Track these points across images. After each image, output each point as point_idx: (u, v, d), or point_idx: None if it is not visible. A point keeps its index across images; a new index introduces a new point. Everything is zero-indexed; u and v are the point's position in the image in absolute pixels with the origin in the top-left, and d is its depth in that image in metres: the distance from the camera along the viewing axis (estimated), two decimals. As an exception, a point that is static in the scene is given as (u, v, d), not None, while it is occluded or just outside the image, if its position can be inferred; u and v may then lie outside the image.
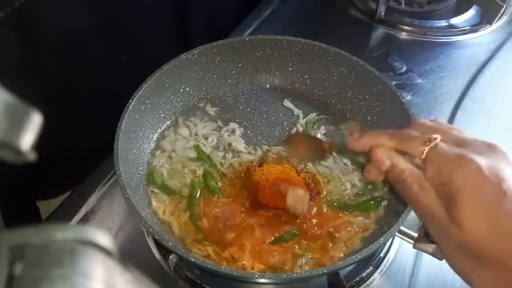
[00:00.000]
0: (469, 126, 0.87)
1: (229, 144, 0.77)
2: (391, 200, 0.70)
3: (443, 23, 1.12)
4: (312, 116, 0.82)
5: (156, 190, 0.71)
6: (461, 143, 0.46)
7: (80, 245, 0.22)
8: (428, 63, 1.03)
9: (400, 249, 0.73)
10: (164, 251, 0.69)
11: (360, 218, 0.69)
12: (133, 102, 0.70)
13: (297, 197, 0.66)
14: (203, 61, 0.80)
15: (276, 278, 0.64)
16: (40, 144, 0.25)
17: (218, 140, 0.78)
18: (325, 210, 0.69)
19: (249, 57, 0.83)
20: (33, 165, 0.27)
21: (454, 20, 1.13)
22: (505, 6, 1.10)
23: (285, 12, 1.14)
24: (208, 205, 0.69)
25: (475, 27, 1.11)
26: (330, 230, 0.67)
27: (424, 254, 0.60)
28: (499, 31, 1.11)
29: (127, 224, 0.75)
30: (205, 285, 0.68)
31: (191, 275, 0.69)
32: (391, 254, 0.73)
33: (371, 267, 0.71)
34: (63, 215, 0.76)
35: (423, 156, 0.46)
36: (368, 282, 0.70)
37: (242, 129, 0.80)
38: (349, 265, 0.64)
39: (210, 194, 0.71)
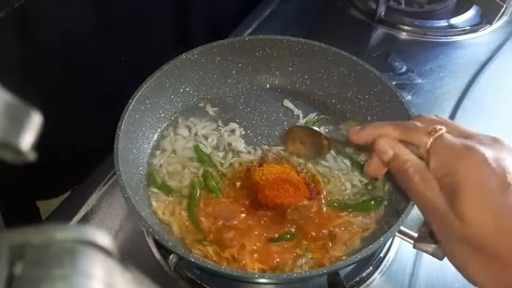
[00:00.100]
0: (468, 126, 0.87)
1: (229, 144, 0.77)
2: (391, 200, 0.70)
3: (443, 23, 1.12)
4: (312, 116, 0.82)
5: (156, 190, 0.71)
6: (465, 135, 0.45)
7: (80, 245, 0.22)
8: (428, 63, 1.03)
9: (400, 249, 0.73)
10: (164, 251, 0.69)
11: (360, 218, 0.69)
12: (133, 102, 0.70)
13: (297, 215, 0.67)
14: (203, 61, 0.80)
15: (276, 278, 0.64)
16: (40, 144, 0.25)
17: (218, 140, 0.78)
18: (325, 210, 0.69)
19: (249, 57, 0.83)
20: (33, 165, 0.27)
21: (454, 20, 1.13)
22: (505, 6, 1.10)
23: (285, 12, 1.14)
24: (208, 205, 0.69)
25: (475, 27, 1.11)
26: (330, 230, 0.67)
27: (424, 254, 0.60)
28: (499, 31, 1.11)
29: (127, 224, 0.75)
30: (205, 285, 0.68)
31: (191, 275, 0.69)
32: (391, 254, 0.73)
33: (371, 267, 0.71)
34: (63, 215, 0.76)
35: (427, 146, 0.45)
36: (368, 282, 0.70)
37: (242, 129, 0.80)
38: (349, 265, 0.64)
39: (210, 194, 0.71)
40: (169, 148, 0.76)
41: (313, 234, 0.67)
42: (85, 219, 0.75)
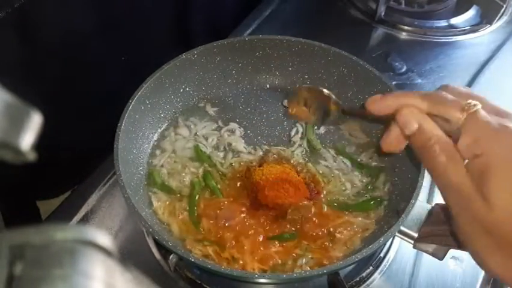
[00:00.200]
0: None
1: (229, 144, 0.77)
2: (391, 200, 0.70)
3: (443, 23, 1.12)
4: (312, 116, 0.82)
5: (156, 190, 0.71)
6: (501, 113, 0.41)
7: (80, 245, 0.22)
8: (428, 63, 1.03)
9: (400, 249, 0.73)
10: (164, 251, 0.69)
11: (360, 218, 0.69)
12: (133, 102, 0.70)
13: (297, 215, 0.67)
14: (203, 61, 0.80)
15: (276, 278, 0.64)
16: (40, 144, 0.25)
17: (218, 140, 0.78)
18: (325, 210, 0.69)
19: (249, 57, 0.83)
20: (33, 165, 0.27)
21: (454, 20, 1.13)
22: (505, 6, 1.10)
23: (285, 12, 1.14)
24: (208, 205, 0.69)
25: (475, 27, 1.11)
26: (330, 230, 0.67)
27: (424, 254, 0.60)
28: (499, 31, 1.11)
29: (127, 224, 0.75)
30: (205, 285, 0.68)
31: (191, 275, 0.69)
32: (391, 254, 0.73)
33: (371, 267, 0.71)
34: (63, 215, 0.76)
35: (460, 122, 0.41)
36: (368, 282, 0.70)
37: (242, 129, 0.80)
38: (349, 265, 0.64)
39: (210, 194, 0.71)
40: (169, 148, 0.76)
41: (313, 234, 0.67)
42: (85, 219, 0.75)
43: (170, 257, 0.66)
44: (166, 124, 0.79)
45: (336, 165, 0.75)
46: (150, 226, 0.59)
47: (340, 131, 0.81)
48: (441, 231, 0.58)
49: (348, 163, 0.75)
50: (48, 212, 0.80)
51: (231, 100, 0.84)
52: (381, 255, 0.72)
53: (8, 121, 0.23)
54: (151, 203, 0.70)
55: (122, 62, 0.89)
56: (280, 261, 0.65)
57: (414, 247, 0.61)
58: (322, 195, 0.71)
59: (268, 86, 0.86)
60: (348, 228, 0.68)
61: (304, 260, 0.64)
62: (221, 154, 0.76)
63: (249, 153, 0.77)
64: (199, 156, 0.75)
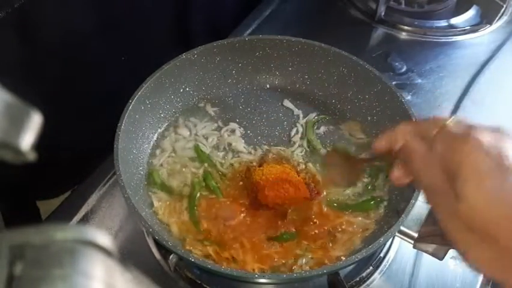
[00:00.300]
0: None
1: (229, 144, 0.77)
2: (391, 200, 0.70)
3: (443, 23, 1.12)
4: (312, 116, 0.82)
5: (156, 190, 0.71)
6: (467, 126, 0.48)
7: (80, 245, 0.22)
8: (428, 63, 1.03)
9: (400, 249, 0.73)
10: (164, 251, 0.69)
11: (360, 218, 0.69)
12: (133, 102, 0.70)
13: (297, 215, 0.67)
14: (203, 61, 0.80)
15: (276, 278, 0.64)
16: (40, 144, 0.25)
17: (218, 140, 0.78)
18: (325, 210, 0.69)
19: (249, 57, 0.83)
20: (33, 165, 0.27)
21: (454, 20, 1.13)
22: (505, 6, 1.10)
23: (285, 12, 1.14)
24: (208, 205, 0.69)
25: (475, 27, 1.11)
26: (330, 230, 0.67)
27: (424, 254, 0.60)
28: (499, 31, 1.11)
29: (127, 224, 0.75)
30: (205, 285, 0.68)
31: (191, 275, 0.69)
32: (391, 254, 0.73)
33: (371, 267, 0.71)
34: (63, 215, 0.76)
35: (433, 134, 0.49)
36: (368, 282, 0.70)
37: (242, 129, 0.80)
38: (349, 265, 0.64)
39: (210, 194, 0.71)
40: (169, 148, 0.76)
41: (314, 234, 0.67)
42: (85, 219, 0.75)
43: (170, 257, 0.66)
44: (166, 124, 0.79)
45: (336, 165, 0.75)
46: (150, 226, 0.59)
47: (340, 131, 0.81)
48: (441, 231, 0.58)
49: (348, 163, 0.75)
50: (48, 212, 0.80)
51: (231, 100, 0.84)
52: (381, 255, 0.72)
53: (8, 121, 0.23)
54: (151, 203, 0.70)
55: (122, 62, 0.89)
56: (280, 261, 0.65)
57: (414, 247, 0.61)
58: (322, 195, 0.71)
59: (268, 86, 0.86)
60: (348, 228, 0.68)
61: (304, 260, 0.64)
62: (221, 154, 0.76)
63: (249, 153, 0.77)
64: (199, 156, 0.75)
